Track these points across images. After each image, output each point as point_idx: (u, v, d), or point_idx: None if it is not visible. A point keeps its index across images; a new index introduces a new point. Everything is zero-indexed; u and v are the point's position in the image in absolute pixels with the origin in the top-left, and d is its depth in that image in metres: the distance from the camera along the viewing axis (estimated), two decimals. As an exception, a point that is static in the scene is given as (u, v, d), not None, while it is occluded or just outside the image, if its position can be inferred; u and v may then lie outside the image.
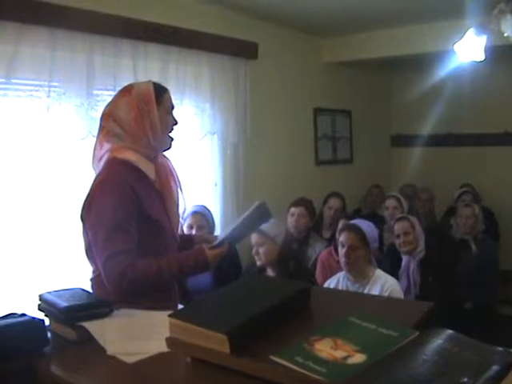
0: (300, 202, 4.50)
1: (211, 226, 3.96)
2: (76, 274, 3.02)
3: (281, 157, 5.15)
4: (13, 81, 3.04)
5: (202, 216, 3.88)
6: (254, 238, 3.48)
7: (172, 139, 2.27)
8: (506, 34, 3.63)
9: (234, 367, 1.16)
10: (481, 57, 3.83)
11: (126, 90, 2.21)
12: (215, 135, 4.36)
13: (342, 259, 3.45)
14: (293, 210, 4.46)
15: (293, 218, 4.42)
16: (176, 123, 2.27)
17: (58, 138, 3.28)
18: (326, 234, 4.87)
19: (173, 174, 2.31)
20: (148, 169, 2.16)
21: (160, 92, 2.21)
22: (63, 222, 3.24)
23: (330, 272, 3.83)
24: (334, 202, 5.00)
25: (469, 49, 3.81)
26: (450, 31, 4.43)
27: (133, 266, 1.98)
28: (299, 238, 4.40)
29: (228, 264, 3.67)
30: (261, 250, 3.48)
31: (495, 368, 0.98)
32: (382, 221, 5.04)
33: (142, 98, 2.16)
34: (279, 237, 3.49)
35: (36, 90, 3.16)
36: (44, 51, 3.16)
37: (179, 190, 2.33)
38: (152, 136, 2.16)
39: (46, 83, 3.17)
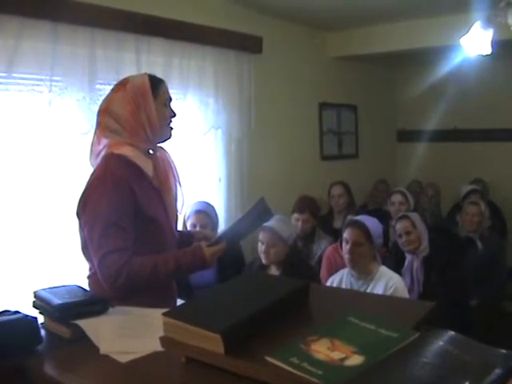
0: (304, 209, 4.39)
1: (215, 223, 3.91)
2: (74, 270, 2.99)
3: (285, 152, 5.11)
4: (14, 75, 3.01)
5: (206, 215, 3.84)
6: (266, 237, 3.47)
7: (172, 129, 2.23)
8: (513, 28, 3.58)
9: (228, 368, 1.13)
10: (487, 50, 3.78)
11: (122, 84, 2.17)
12: (219, 130, 4.33)
13: (346, 256, 3.42)
14: (297, 215, 4.39)
15: (297, 223, 4.36)
16: (174, 115, 2.22)
17: (59, 133, 3.26)
18: (337, 224, 4.87)
19: (171, 168, 2.26)
20: (146, 165, 2.11)
21: (156, 84, 2.17)
22: (62, 217, 3.19)
23: (335, 268, 3.80)
24: (336, 190, 5.10)
25: (475, 42, 3.76)
26: (457, 25, 4.38)
27: (128, 265, 1.94)
28: (304, 236, 4.36)
29: (232, 260, 3.65)
30: (272, 251, 3.46)
31: (497, 371, 0.95)
32: (387, 216, 5.00)
33: (138, 91, 2.11)
34: (290, 239, 3.50)
35: (38, 85, 3.13)
36: (46, 45, 3.14)
37: (178, 184, 2.29)
38: (149, 130, 2.12)
39: (48, 77, 3.14)
